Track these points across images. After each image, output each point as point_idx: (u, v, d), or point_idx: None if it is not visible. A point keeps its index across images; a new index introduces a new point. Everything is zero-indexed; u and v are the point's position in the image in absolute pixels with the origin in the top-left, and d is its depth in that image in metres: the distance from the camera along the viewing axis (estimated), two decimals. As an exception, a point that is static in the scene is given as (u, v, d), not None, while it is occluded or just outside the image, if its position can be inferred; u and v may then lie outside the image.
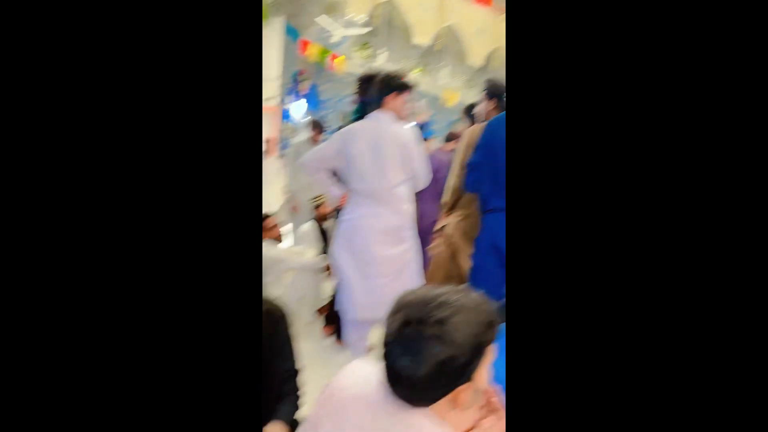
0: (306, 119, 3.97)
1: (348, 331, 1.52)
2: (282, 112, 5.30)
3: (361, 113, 1.51)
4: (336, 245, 1.51)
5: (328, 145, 1.56)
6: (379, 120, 1.42)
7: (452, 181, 1.57)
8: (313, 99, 5.30)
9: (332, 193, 1.58)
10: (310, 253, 2.03)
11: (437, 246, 1.55)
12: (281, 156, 3.74)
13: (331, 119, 4.53)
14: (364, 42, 4.81)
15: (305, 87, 5.21)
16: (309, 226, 2.15)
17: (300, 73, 4.97)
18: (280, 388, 0.74)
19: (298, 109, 4.88)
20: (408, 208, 1.45)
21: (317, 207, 2.28)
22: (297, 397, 0.76)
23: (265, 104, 5.14)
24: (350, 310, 1.46)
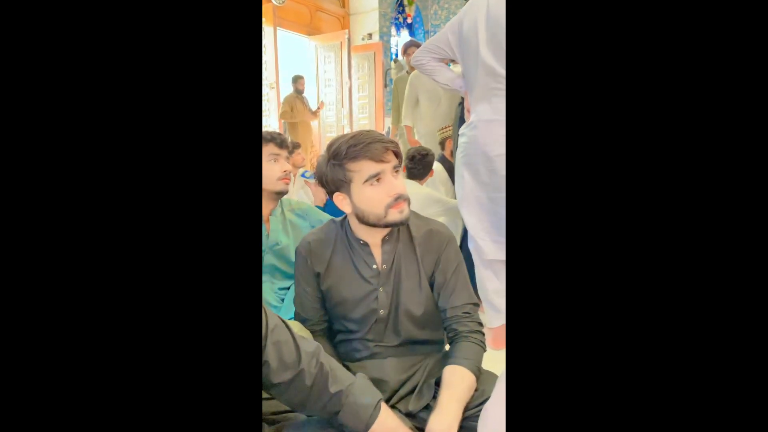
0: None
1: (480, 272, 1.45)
2: (387, 48, 5.29)
3: None
4: (458, 169, 1.43)
5: (443, 30, 1.50)
6: None
7: None
8: (420, 27, 5.11)
9: (457, 84, 1.50)
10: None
11: None
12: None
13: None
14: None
15: (411, 11, 4.94)
16: (437, 167, 2.17)
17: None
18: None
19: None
20: None
21: (443, 142, 2.39)
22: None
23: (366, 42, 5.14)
24: (478, 250, 1.40)
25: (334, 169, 0.86)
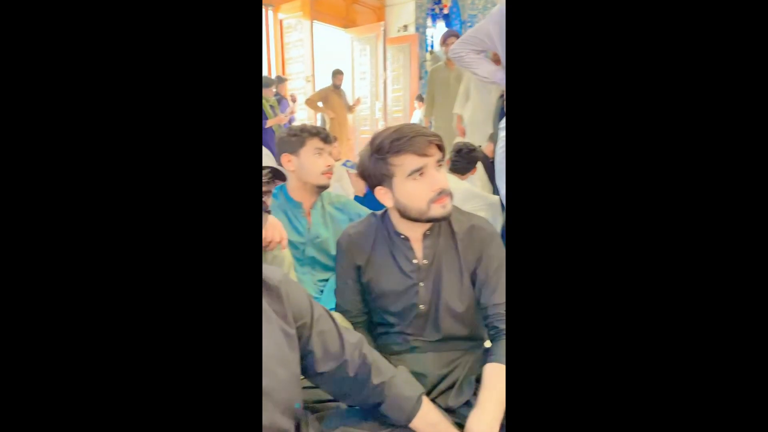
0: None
1: None
2: (422, 40, 5.41)
3: None
4: (500, 164, 1.45)
5: (484, 21, 1.51)
6: None
7: None
8: (456, 18, 5.21)
9: (497, 77, 1.52)
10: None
11: None
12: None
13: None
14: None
15: (448, 2, 5.10)
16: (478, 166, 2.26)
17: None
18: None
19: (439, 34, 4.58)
20: None
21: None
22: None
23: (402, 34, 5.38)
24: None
25: (377, 163, 0.87)
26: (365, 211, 1.33)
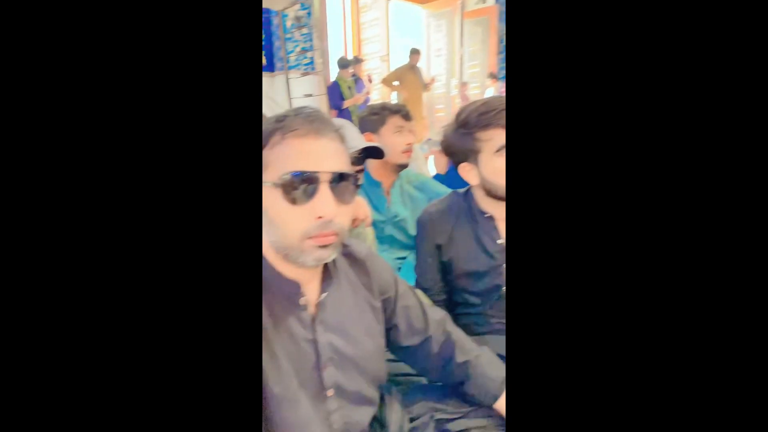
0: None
1: None
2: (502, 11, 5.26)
3: None
4: None
5: None
6: None
7: None
8: None
9: None
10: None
11: None
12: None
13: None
14: None
15: None
16: None
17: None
18: None
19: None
20: None
21: None
22: None
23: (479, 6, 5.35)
24: None
25: (463, 138, 0.85)
26: (444, 190, 1.32)
